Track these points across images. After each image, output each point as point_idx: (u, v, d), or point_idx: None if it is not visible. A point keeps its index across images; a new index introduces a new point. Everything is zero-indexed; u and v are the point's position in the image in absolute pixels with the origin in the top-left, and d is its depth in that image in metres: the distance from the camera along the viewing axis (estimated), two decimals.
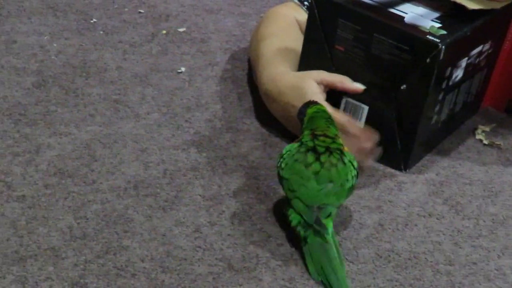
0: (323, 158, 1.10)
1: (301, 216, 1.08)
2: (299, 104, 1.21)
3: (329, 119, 1.16)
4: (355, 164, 1.13)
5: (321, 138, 1.12)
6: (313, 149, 1.11)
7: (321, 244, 1.07)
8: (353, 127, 1.23)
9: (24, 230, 1.11)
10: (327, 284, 1.05)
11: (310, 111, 1.17)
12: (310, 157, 1.10)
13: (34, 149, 1.26)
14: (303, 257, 1.09)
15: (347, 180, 1.10)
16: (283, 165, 1.12)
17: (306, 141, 1.12)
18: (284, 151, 1.14)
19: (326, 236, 1.07)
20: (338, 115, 1.22)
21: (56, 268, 1.05)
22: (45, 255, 1.07)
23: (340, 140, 1.14)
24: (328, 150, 1.11)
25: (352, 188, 1.12)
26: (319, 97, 1.23)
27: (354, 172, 1.12)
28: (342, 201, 1.11)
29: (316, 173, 1.09)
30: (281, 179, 1.13)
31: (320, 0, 1.25)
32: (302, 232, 1.08)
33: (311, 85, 1.24)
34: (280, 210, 1.16)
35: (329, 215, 1.08)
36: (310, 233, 1.08)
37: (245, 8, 1.73)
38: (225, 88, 1.45)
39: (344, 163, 1.11)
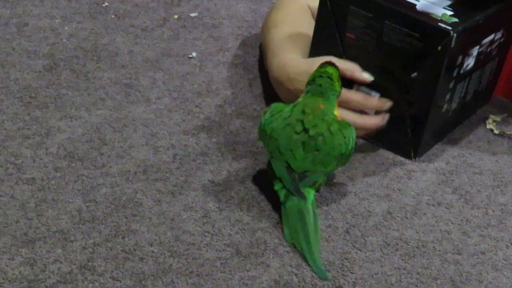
0: (311, 131, 1.12)
1: (281, 181, 1.11)
2: None
3: (329, 89, 1.15)
4: (347, 132, 1.14)
5: (310, 116, 1.13)
6: (302, 122, 1.13)
7: (298, 211, 1.09)
8: (370, 101, 1.24)
9: (33, 213, 1.11)
10: (299, 249, 1.07)
11: (314, 73, 1.16)
12: (298, 127, 1.13)
13: (44, 132, 1.27)
14: (281, 219, 1.10)
15: (334, 148, 1.12)
16: (274, 123, 1.14)
17: (297, 112, 1.14)
18: (274, 108, 1.16)
19: (305, 204, 1.09)
20: (352, 94, 1.23)
21: (65, 251, 1.06)
22: (54, 238, 1.08)
23: (331, 115, 1.14)
24: (315, 123, 1.13)
25: (344, 156, 1.14)
26: None
27: (343, 140, 1.13)
28: (330, 168, 1.12)
29: (303, 143, 1.12)
30: (265, 134, 1.14)
31: None
32: (282, 196, 1.10)
33: None
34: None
35: (314, 184, 1.10)
36: (290, 198, 1.10)
37: None
38: (236, 74, 1.45)
39: (331, 133, 1.12)
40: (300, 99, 1.17)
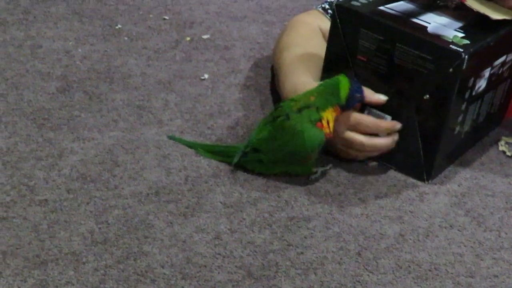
0: (281, 119, 1.22)
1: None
2: None
3: (329, 92, 1.21)
4: (309, 137, 1.19)
5: (293, 103, 1.23)
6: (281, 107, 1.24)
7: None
8: (381, 124, 1.24)
9: (45, 234, 1.12)
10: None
11: (326, 82, 1.24)
12: (277, 111, 1.24)
13: (57, 153, 1.27)
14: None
15: (287, 145, 1.21)
16: None
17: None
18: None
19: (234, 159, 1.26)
20: (363, 117, 1.23)
21: (77, 273, 1.06)
22: (66, 259, 1.08)
23: (314, 113, 1.20)
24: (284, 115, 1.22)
25: (297, 155, 1.21)
26: None
27: (302, 142, 1.20)
28: (273, 157, 1.23)
29: (271, 126, 1.24)
30: None
31: (342, 10, 1.25)
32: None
33: None
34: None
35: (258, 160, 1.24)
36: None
37: (269, 16, 1.74)
38: (248, 96, 1.46)
39: (295, 134, 1.20)
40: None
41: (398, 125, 1.24)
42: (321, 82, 1.24)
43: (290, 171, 1.25)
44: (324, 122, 1.20)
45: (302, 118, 1.20)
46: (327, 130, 1.21)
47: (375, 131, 1.24)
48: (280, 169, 1.25)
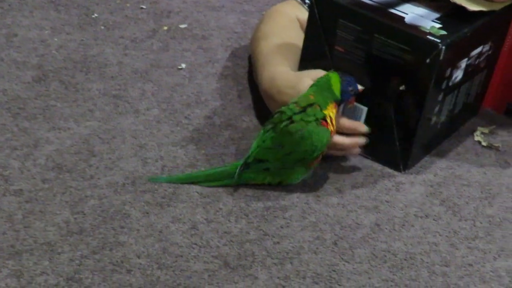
0: (279, 125, 1.18)
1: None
2: None
3: (325, 89, 1.19)
4: (318, 138, 1.17)
5: (293, 106, 1.20)
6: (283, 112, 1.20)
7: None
8: (345, 123, 1.23)
9: (20, 224, 1.11)
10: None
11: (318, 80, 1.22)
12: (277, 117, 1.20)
13: (33, 143, 1.26)
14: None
15: (295, 151, 1.17)
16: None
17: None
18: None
19: (235, 176, 1.19)
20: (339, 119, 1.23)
21: (52, 263, 1.05)
22: (41, 250, 1.07)
23: (318, 112, 1.18)
24: (291, 120, 1.18)
25: (306, 160, 1.18)
26: None
27: (311, 147, 1.17)
28: (281, 165, 1.19)
29: (273, 134, 1.19)
30: None
31: (320, 0, 1.25)
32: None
33: (309, 85, 1.24)
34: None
35: (265, 169, 1.20)
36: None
37: (247, 6, 1.73)
38: (225, 85, 1.46)
39: (303, 137, 1.16)
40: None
41: (362, 127, 1.24)
42: (313, 82, 1.22)
43: (289, 178, 1.21)
44: (328, 120, 1.19)
45: (307, 117, 1.17)
46: (331, 128, 1.19)
47: (339, 130, 1.23)
48: (282, 176, 1.21)
